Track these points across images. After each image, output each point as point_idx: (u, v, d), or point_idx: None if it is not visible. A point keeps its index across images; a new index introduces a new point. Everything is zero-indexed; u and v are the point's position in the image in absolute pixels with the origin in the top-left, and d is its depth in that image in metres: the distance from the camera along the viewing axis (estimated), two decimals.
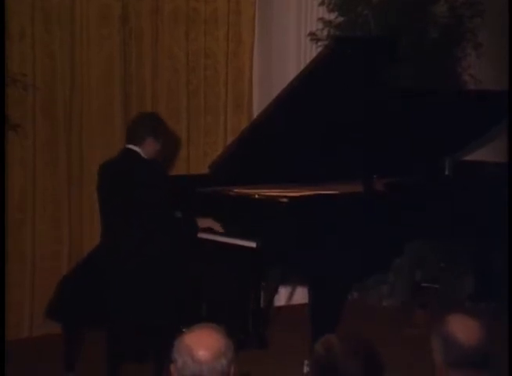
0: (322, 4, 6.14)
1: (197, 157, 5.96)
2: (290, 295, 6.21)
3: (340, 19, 6.13)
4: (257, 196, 4.55)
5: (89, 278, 4.42)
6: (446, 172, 5.67)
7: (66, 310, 4.43)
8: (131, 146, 4.57)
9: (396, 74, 5.49)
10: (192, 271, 4.52)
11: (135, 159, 4.54)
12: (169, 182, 4.59)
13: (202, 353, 2.29)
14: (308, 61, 5.15)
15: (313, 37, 6.10)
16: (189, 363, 2.29)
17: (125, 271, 4.29)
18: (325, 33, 6.10)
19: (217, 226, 4.57)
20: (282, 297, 6.14)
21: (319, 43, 6.05)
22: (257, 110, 5.88)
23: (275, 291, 5.61)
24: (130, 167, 4.52)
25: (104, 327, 4.29)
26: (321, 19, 6.13)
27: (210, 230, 4.58)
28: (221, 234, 4.55)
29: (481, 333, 2.59)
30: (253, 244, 4.26)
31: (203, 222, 4.58)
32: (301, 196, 4.45)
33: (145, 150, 4.54)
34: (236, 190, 4.77)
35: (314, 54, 5.65)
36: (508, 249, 5.04)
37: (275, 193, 4.58)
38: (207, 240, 4.56)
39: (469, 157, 6.26)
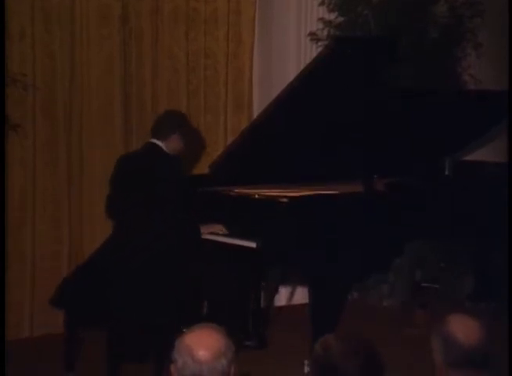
0: (322, 4, 6.13)
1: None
2: (291, 295, 6.20)
3: (341, 19, 6.13)
4: (257, 196, 4.55)
5: (91, 277, 4.43)
6: (446, 172, 5.67)
7: (69, 304, 4.44)
8: (154, 141, 4.65)
9: (396, 74, 5.48)
10: (192, 271, 4.51)
11: (157, 153, 4.61)
12: (187, 180, 4.69)
13: (202, 353, 2.29)
14: (308, 61, 5.15)
15: (313, 37, 6.09)
16: (189, 363, 2.29)
17: (128, 270, 4.29)
18: (325, 33, 6.10)
19: (220, 231, 4.58)
20: (282, 297, 6.14)
21: (319, 43, 6.05)
22: (257, 110, 5.88)
23: (276, 291, 5.62)
24: (152, 161, 4.59)
25: (105, 326, 4.28)
26: (321, 19, 6.13)
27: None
28: (221, 234, 4.55)
29: (481, 333, 2.59)
30: (253, 244, 4.27)
31: (210, 227, 4.59)
32: (301, 196, 4.45)
33: (168, 145, 4.63)
34: (236, 190, 4.77)
35: (314, 54, 5.65)
36: (508, 249, 5.04)
37: (275, 193, 4.58)
38: (207, 240, 4.56)
39: (469, 157, 6.26)
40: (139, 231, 4.40)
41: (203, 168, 5.70)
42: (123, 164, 4.68)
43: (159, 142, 4.64)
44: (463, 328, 2.60)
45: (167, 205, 4.44)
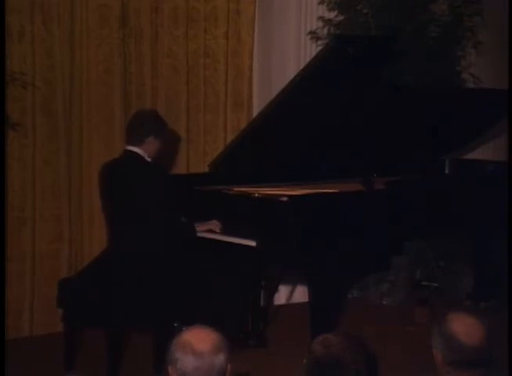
0: (321, 3, 6.13)
1: (197, 156, 5.96)
2: (290, 294, 6.21)
3: (340, 17, 6.13)
4: (257, 195, 4.55)
5: (90, 277, 4.43)
6: (446, 171, 5.67)
7: (68, 304, 4.45)
8: (131, 148, 4.49)
9: (396, 72, 5.49)
10: (192, 270, 4.51)
11: (137, 163, 4.46)
12: (173, 184, 4.55)
13: (202, 346, 2.33)
14: (308, 60, 5.15)
15: (313, 35, 6.09)
16: (190, 357, 2.32)
17: (127, 271, 4.29)
18: (325, 31, 6.10)
19: (216, 228, 4.57)
20: (282, 295, 6.14)
21: (319, 42, 6.05)
22: (256, 108, 5.88)
23: (275, 290, 5.61)
24: (133, 172, 4.45)
25: (104, 326, 4.28)
26: (321, 17, 6.13)
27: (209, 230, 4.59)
28: (221, 233, 4.54)
29: (482, 332, 2.59)
30: (253, 243, 4.27)
31: (206, 225, 4.57)
32: (300, 195, 4.45)
33: (146, 150, 4.46)
34: (235, 189, 4.77)
35: (314, 53, 5.64)
36: (508, 248, 5.04)
37: (275, 192, 4.58)
38: (207, 238, 4.56)
39: (469, 156, 6.27)
40: (132, 241, 4.38)
41: (202, 166, 5.71)
42: (105, 176, 4.57)
43: (136, 149, 4.45)
44: (464, 327, 2.60)
45: (155, 214, 4.38)
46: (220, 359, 2.34)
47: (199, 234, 4.55)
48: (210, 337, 2.38)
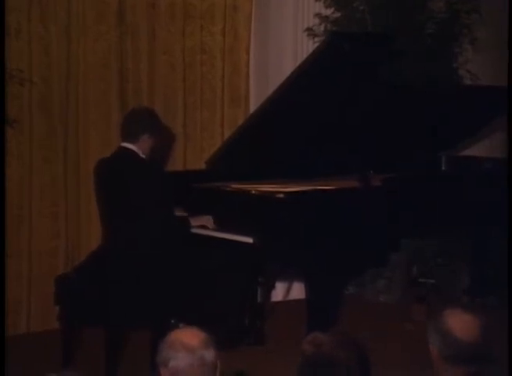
0: None
1: (194, 153, 5.96)
2: (287, 291, 6.21)
3: (337, 14, 6.13)
4: (254, 191, 4.55)
5: (87, 275, 4.43)
6: (443, 168, 5.67)
7: (65, 301, 4.44)
8: (126, 144, 4.49)
9: (393, 69, 5.48)
10: (189, 267, 4.51)
11: (131, 159, 4.47)
12: (168, 180, 4.55)
13: (192, 341, 2.38)
14: (304, 56, 5.15)
15: (310, 32, 6.09)
16: (182, 354, 2.36)
17: (123, 268, 4.29)
18: (321, 28, 6.10)
19: (211, 224, 4.57)
20: (279, 292, 6.14)
21: (316, 39, 6.05)
22: (253, 105, 5.88)
23: (272, 287, 5.61)
24: (127, 168, 4.45)
25: (102, 324, 4.28)
26: (318, 14, 6.13)
27: (204, 227, 4.58)
28: (218, 230, 4.55)
29: (479, 328, 2.60)
30: (250, 240, 4.27)
31: (199, 220, 4.58)
32: (297, 191, 4.45)
33: (141, 147, 4.47)
34: (232, 186, 4.77)
35: (311, 50, 5.64)
36: (508, 246, 5.03)
37: (271, 189, 4.58)
38: (204, 235, 4.56)
39: (467, 153, 6.26)
40: (128, 238, 4.38)
41: (200, 163, 5.70)
42: (100, 172, 4.56)
43: (131, 146, 4.45)
44: (461, 323, 2.61)
45: (150, 211, 4.38)
46: (210, 354, 2.38)
47: (195, 230, 4.55)
48: (198, 334, 2.43)
